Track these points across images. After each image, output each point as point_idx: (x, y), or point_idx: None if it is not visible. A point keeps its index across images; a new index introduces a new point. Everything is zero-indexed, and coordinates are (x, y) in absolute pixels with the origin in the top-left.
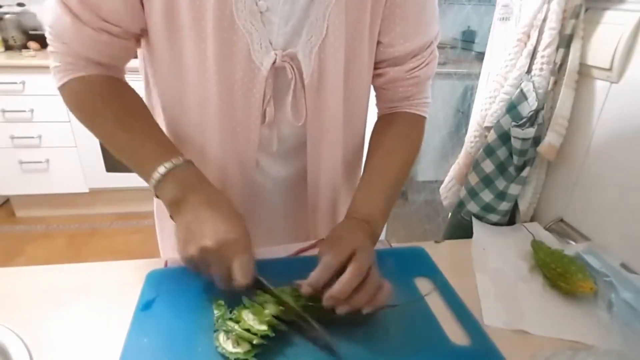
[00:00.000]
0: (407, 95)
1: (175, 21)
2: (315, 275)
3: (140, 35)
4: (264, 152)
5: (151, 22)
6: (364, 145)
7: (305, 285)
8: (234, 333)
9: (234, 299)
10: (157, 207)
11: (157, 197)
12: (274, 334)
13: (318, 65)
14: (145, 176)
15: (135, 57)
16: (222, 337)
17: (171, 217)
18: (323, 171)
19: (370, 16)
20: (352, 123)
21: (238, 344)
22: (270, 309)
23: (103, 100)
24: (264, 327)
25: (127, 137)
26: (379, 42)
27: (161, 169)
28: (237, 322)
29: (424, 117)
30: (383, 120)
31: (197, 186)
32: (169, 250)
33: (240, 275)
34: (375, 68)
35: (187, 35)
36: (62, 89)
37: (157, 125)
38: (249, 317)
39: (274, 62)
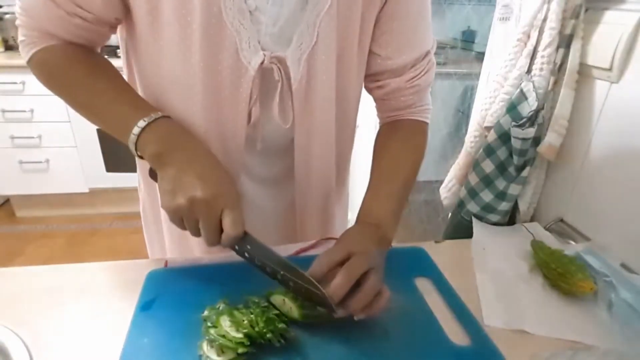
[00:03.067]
0: (408, 103)
1: (159, 15)
2: (310, 274)
3: (116, 23)
4: (248, 152)
5: (134, 14)
6: (352, 146)
7: None
8: (217, 342)
9: (237, 299)
10: (143, 208)
11: (138, 155)
12: (249, 343)
13: (307, 71)
14: (124, 134)
15: (111, 45)
16: (205, 345)
17: (151, 172)
18: (313, 173)
19: (361, 26)
20: (342, 127)
21: (223, 352)
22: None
23: (72, 65)
24: (239, 335)
25: (101, 98)
26: (377, 55)
27: (141, 123)
28: (215, 327)
29: (427, 123)
30: (387, 127)
31: (182, 138)
32: (156, 251)
33: (231, 227)
34: (375, 80)
35: (171, 30)
36: (30, 62)
37: (129, 85)
38: (225, 324)
39: (262, 63)
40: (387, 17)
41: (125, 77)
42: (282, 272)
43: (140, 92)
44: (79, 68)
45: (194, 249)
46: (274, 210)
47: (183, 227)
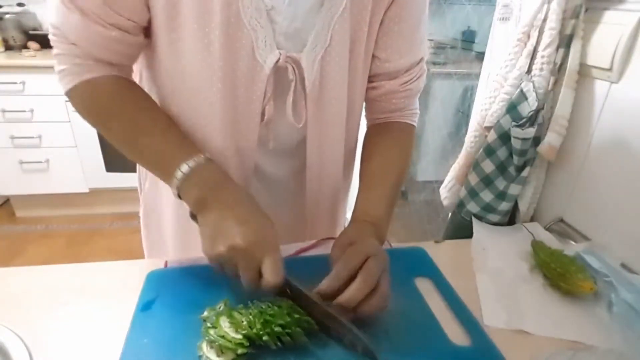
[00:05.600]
0: (399, 106)
1: (177, 13)
2: (326, 283)
3: (148, 26)
4: (260, 151)
5: (153, 17)
6: (356, 149)
7: (315, 292)
8: (217, 343)
9: (237, 300)
10: (143, 207)
11: (179, 197)
12: (248, 344)
13: (320, 73)
14: (166, 176)
15: None
16: (205, 346)
17: (192, 216)
18: (324, 172)
19: (368, 30)
20: (351, 127)
21: (222, 353)
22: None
23: (115, 103)
24: (239, 336)
25: (143, 138)
26: (376, 57)
27: (184, 168)
28: (215, 328)
29: (414, 126)
30: (376, 128)
31: (223, 184)
32: (153, 251)
33: (271, 275)
34: (370, 81)
35: (189, 28)
36: (70, 93)
37: (173, 124)
38: (225, 324)
39: (277, 61)
40: (390, 20)
41: (134, 77)
42: (323, 320)
43: (152, 92)
44: (123, 106)
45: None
46: (284, 209)
47: (222, 271)
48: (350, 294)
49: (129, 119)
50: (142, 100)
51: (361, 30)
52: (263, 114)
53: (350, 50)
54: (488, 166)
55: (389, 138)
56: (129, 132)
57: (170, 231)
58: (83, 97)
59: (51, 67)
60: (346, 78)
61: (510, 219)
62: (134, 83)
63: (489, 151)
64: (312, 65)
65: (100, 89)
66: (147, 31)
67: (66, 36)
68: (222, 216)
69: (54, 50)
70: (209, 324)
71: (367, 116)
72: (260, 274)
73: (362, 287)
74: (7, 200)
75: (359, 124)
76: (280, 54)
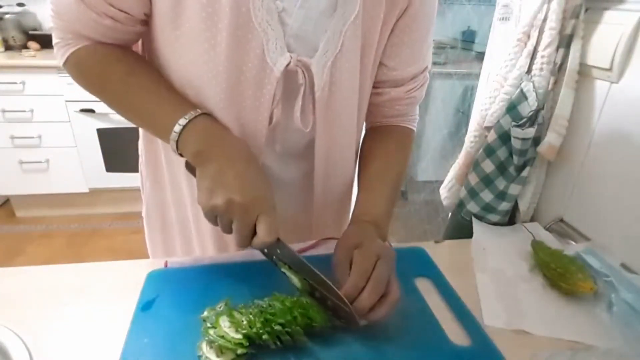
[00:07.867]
0: (401, 113)
1: (182, 12)
2: (345, 293)
3: (146, 19)
4: (267, 153)
5: (155, 9)
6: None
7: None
8: (216, 343)
9: (237, 299)
10: (146, 207)
11: (179, 153)
12: (248, 344)
13: (330, 79)
14: (164, 133)
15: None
16: (204, 346)
17: (189, 170)
18: (332, 177)
19: (379, 38)
20: (359, 132)
21: (222, 353)
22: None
23: (109, 64)
24: (238, 336)
25: (139, 96)
26: (383, 65)
27: (182, 121)
28: (214, 328)
29: (414, 130)
30: (377, 130)
31: (223, 136)
32: (157, 250)
33: (266, 234)
34: (375, 87)
35: (195, 28)
36: (66, 64)
37: (166, 81)
38: (225, 324)
39: (288, 65)
40: (400, 30)
41: None
42: (309, 282)
43: None
44: (116, 67)
45: (206, 250)
46: (291, 211)
47: (216, 224)
48: (360, 302)
49: (122, 79)
50: (133, 60)
51: (372, 38)
52: (271, 117)
53: (361, 57)
54: (488, 166)
55: (390, 141)
56: (123, 93)
57: (175, 230)
58: (77, 63)
59: (51, 67)
60: (356, 84)
61: (510, 219)
62: (124, 47)
63: (489, 151)
64: (322, 70)
65: (93, 52)
66: (145, 22)
67: (60, 14)
68: (222, 169)
69: (51, 23)
70: (209, 324)
71: (367, 119)
72: (253, 231)
73: (371, 296)
74: (7, 200)
75: (362, 127)
76: (291, 57)
